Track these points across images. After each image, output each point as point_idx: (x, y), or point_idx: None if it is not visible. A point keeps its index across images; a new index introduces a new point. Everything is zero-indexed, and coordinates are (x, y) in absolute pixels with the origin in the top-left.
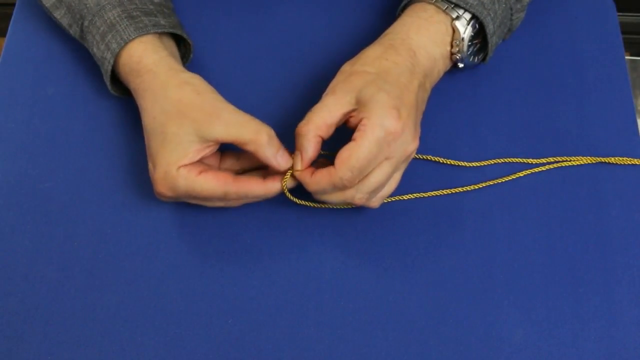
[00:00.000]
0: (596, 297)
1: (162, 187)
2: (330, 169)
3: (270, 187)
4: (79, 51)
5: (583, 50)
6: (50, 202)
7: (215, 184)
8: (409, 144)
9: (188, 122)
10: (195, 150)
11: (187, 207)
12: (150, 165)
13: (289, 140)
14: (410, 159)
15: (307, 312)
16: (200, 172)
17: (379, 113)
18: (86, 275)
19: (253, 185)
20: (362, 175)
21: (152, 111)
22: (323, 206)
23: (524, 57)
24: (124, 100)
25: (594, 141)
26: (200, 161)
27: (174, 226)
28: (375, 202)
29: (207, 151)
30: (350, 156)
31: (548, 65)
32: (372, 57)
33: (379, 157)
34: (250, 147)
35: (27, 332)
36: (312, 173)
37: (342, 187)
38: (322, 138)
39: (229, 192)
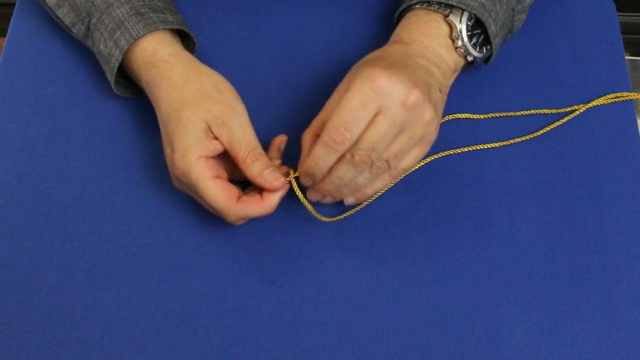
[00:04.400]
0: (596, 297)
1: (178, 170)
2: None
3: (267, 204)
4: (79, 51)
5: (583, 50)
6: (50, 202)
7: (220, 197)
8: (404, 94)
9: (202, 110)
10: (207, 139)
11: (187, 206)
12: (167, 150)
13: (289, 140)
14: (420, 121)
15: (307, 312)
16: (215, 177)
17: (363, 71)
18: (86, 275)
19: (253, 206)
20: (351, 127)
21: (168, 98)
22: (313, 212)
23: (524, 57)
24: (124, 100)
25: (595, 141)
26: (217, 162)
27: (174, 226)
28: (380, 163)
29: (212, 146)
30: (335, 110)
31: (548, 66)
32: (367, 55)
33: (366, 107)
34: (238, 164)
35: (27, 332)
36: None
37: (334, 144)
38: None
39: (228, 211)
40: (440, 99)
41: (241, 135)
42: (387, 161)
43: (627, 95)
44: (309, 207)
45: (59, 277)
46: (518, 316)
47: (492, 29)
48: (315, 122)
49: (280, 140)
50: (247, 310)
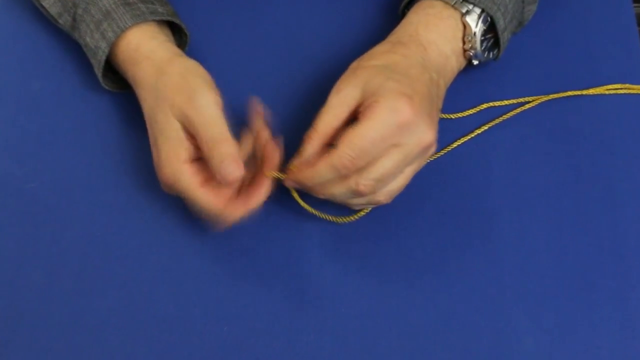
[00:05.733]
0: (610, 303)
1: (166, 176)
2: (330, 150)
3: (254, 202)
4: (66, 44)
5: (597, 43)
6: (36, 204)
7: (212, 202)
8: (423, 134)
9: (168, 106)
10: (187, 139)
11: (180, 208)
12: (154, 154)
13: (287, 138)
14: (427, 155)
15: (306, 319)
16: (204, 182)
17: (389, 97)
18: (74, 280)
19: (247, 200)
20: (366, 157)
21: (148, 99)
22: (322, 215)
23: (535, 51)
24: (114, 95)
25: (608, 139)
26: (203, 163)
27: (166, 229)
28: (381, 197)
29: (194, 147)
30: (353, 134)
31: (560, 59)
32: (379, 52)
33: (386, 141)
34: (202, 150)
35: (12, 339)
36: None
37: (343, 169)
38: (327, 145)
39: (225, 214)
40: (438, 115)
41: (198, 121)
42: (390, 193)
43: (630, 88)
44: (314, 211)
45: (45, 282)
46: (528, 323)
47: (500, 23)
48: (321, 127)
49: (254, 103)
50: (242, 317)
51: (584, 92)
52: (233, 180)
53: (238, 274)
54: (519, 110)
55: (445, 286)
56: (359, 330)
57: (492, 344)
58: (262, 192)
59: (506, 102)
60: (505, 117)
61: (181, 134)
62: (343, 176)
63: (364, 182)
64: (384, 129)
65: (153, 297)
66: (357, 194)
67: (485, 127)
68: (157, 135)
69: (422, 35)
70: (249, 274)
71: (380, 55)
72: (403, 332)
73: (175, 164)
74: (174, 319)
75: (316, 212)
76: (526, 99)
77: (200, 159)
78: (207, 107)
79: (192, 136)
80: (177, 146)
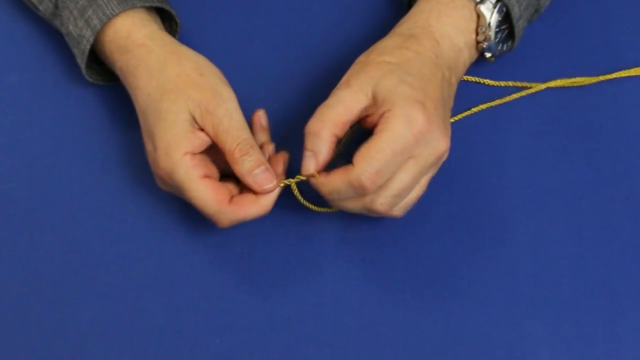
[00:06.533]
0: (633, 313)
1: (162, 170)
2: (347, 166)
3: (264, 203)
4: (47, 33)
5: (619, 32)
6: (13, 205)
7: (210, 200)
8: (438, 142)
9: (183, 99)
10: (192, 132)
11: (170, 210)
12: (149, 147)
13: (284, 136)
14: (440, 163)
15: (305, 330)
16: (204, 177)
17: (403, 105)
18: (55, 287)
19: (247, 206)
20: (384, 174)
21: (146, 88)
22: (328, 210)
23: (552, 41)
24: (98, 88)
25: (631, 136)
26: (205, 158)
27: (155, 232)
28: (397, 211)
29: (198, 140)
30: (371, 149)
31: (578, 50)
32: (391, 47)
33: (404, 154)
34: (226, 158)
35: None
36: (326, 176)
37: (361, 188)
38: (338, 137)
39: (220, 215)
40: (449, 116)
41: (228, 123)
42: (405, 206)
43: None
44: (313, 207)
45: (23, 290)
46: (545, 334)
47: (515, 11)
48: (331, 116)
49: (258, 116)
50: (237, 328)
51: (607, 76)
52: (270, 189)
53: (232, 282)
54: (523, 93)
55: (455, 294)
56: (362, 343)
57: (506, 356)
58: (263, 202)
59: (511, 84)
60: (512, 97)
61: (187, 126)
62: (358, 190)
63: (381, 200)
64: (402, 141)
65: (140, 306)
66: (374, 212)
67: (493, 103)
68: (156, 123)
69: (435, 27)
70: (243, 281)
71: (391, 50)
72: (410, 344)
73: (174, 154)
74: (163, 330)
75: (319, 209)
76: (540, 85)
77: (201, 154)
78: (235, 112)
79: (199, 131)
80: (180, 136)
